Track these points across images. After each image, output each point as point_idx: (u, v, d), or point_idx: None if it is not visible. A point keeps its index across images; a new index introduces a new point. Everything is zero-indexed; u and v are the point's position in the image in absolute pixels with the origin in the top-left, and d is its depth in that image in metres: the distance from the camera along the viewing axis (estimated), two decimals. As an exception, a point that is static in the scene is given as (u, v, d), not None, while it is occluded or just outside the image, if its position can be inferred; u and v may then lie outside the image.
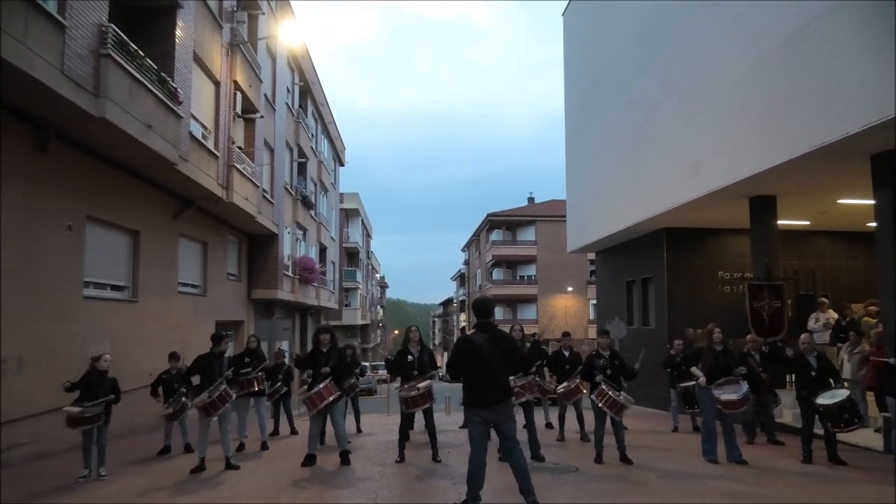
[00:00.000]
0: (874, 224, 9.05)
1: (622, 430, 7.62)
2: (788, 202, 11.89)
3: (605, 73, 16.95)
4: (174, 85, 10.66)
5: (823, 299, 12.29)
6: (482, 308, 5.63)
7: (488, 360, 5.25)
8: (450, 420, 11.71)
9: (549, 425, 10.75)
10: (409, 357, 7.84)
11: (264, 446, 9.00)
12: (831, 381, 7.61)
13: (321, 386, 7.31)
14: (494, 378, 5.30)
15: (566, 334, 10.26)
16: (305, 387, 7.60)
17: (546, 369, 9.96)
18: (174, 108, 10.49)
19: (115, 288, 10.99)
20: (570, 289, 45.50)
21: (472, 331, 5.54)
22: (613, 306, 19.16)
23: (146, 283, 11.76)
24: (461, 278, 71.54)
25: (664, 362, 10.97)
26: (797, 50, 8.92)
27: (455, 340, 6.71)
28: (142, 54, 9.55)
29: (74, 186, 9.44)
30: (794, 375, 7.85)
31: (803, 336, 8.04)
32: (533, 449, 7.59)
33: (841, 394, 7.33)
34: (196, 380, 7.76)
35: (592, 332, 31.93)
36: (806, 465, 7.36)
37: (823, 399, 7.30)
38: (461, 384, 5.49)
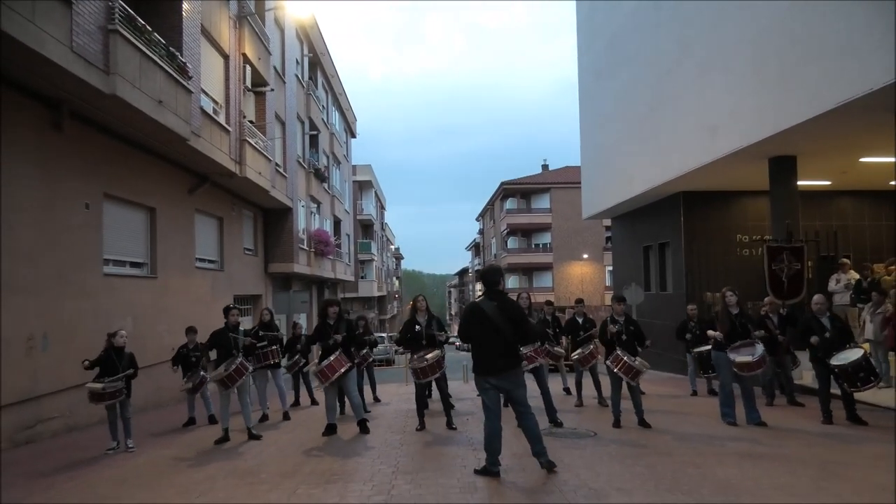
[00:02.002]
0: (898, 182, 8.84)
1: (639, 395, 7.65)
2: (809, 162, 11.64)
3: (621, 34, 16.55)
4: (183, 60, 10.60)
5: (845, 260, 12.12)
6: (490, 275, 5.55)
7: (497, 327, 5.22)
8: (468, 388, 11.80)
9: (566, 391, 10.83)
10: (417, 327, 7.82)
11: (286, 417, 9.20)
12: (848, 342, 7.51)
13: (332, 358, 7.36)
14: (503, 345, 5.26)
15: (579, 301, 10.26)
16: (317, 360, 7.63)
17: (563, 337, 9.99)
18: (184, 83, 10.45)
19: (133, 265, 11.13)
20: (585, 256, 45.30)
21: (479, 297, 5.50)
22: (630, 272, 19.07)
23: (164, 259, 11.90)
24: (476, 248, 71.56)
25: (679, 329, 10.92)
26: (818, 5, 8.63)
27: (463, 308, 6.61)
28: (149, 29, 9.49)
29: (90, 165, 9.50)
30: (803, 337, 7.72)
31: (816, 297, 7.93)
32: (550, 414, 7.64)
33: (855, 353, 7.26)
34: (213, 354, 7.88)
35: (609, 299, 31.86)
36: (826, 426, 7.34)
37: (838, 360, 7.27)
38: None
